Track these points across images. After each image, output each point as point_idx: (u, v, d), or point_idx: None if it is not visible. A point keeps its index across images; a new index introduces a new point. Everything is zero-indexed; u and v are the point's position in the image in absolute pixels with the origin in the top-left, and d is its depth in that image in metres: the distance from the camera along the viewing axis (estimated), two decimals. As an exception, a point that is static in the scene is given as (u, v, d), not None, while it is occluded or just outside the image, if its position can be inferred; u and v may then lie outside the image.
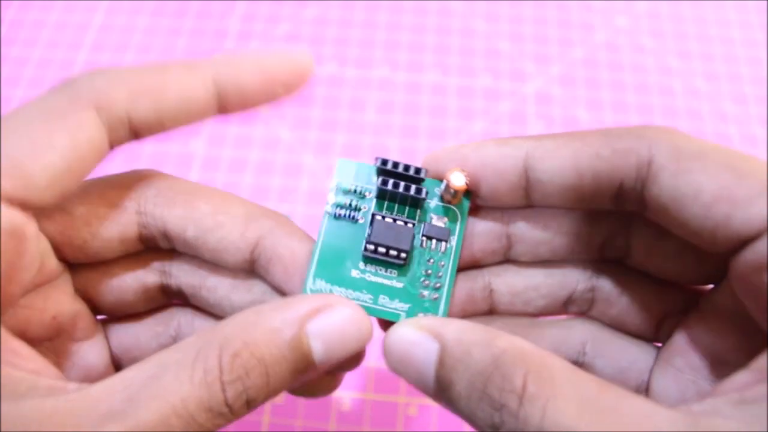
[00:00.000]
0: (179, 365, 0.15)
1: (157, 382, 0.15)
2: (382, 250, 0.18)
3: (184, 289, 0.21)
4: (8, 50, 0.41)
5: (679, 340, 0.18)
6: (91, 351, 0.20)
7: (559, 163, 0.17)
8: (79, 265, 0.20)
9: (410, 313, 0.18)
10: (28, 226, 0.16)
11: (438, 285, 0.19)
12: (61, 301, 0.19)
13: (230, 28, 0.42)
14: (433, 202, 0.19)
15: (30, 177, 0.16)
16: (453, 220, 0.19)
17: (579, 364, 0.20)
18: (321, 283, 0.19)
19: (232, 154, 0.37)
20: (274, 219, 0.19)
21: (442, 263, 0.19)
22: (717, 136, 0.38)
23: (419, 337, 0.16)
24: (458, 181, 0.18)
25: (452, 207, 0.19)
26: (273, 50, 0.19)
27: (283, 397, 0.30)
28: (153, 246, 0.20)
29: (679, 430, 0.13)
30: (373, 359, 0.32)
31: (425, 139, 0.38)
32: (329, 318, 0.16)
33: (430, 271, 0.19)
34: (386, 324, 0.19)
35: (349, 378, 0.31)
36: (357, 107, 0.39)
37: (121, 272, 0.20)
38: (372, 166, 0.19)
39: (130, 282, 0.20)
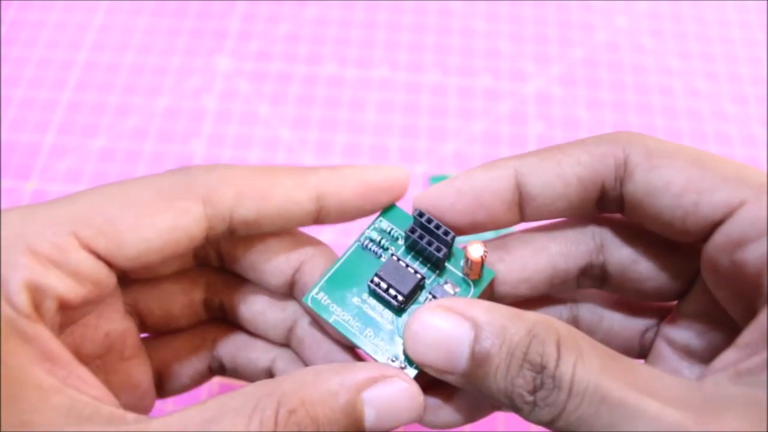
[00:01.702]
0: (237, 412, 0.15)
1: (213, 425, 0.15)
2: (384, 286, 0.19)
3: (225, 303, 0.22)
4: (8, 50, 0.41)
5: (659, 350, 0.20)
6: (137, 369, 0.20)
7: (546, 176, 0.18)
8: (130, 281, 0.21)
9: (383, 356, 0.19)
10: (109, 279, 0.17)
11: None
12: (113, 318, 0.20)
13: (230, 28, 0.42)
14: (456, 271, 0.20)
15: (123, 245, 0.17)
16: (465, 292, 0.19)
17: None
18: (322, 296, 0.19)
19: (232, 154, 0.37)
20: (316, 246, 0.20)
21: None
22: (717, 135, 0.38)
23: (452, 318, 0.17)
24: (475, 252, 0.18)
25: (469, 280, 0.19)
26: (373, 167, 0.20)
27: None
28: (203, 263, 0.21)
29: (688, 392, 0.15)
30: (373, 359, 0.32)
31: (425, 139, 0.38)
32: (386, 389, 0.17)
33: None
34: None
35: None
36: (357, 107, 0.39)
37: (171, 287, 0.21)
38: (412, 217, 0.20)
39: (179, 296, 0.21)
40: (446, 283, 0.19)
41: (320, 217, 0.20)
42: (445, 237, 0.19)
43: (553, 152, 0.18)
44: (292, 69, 0.40)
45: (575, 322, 0.21)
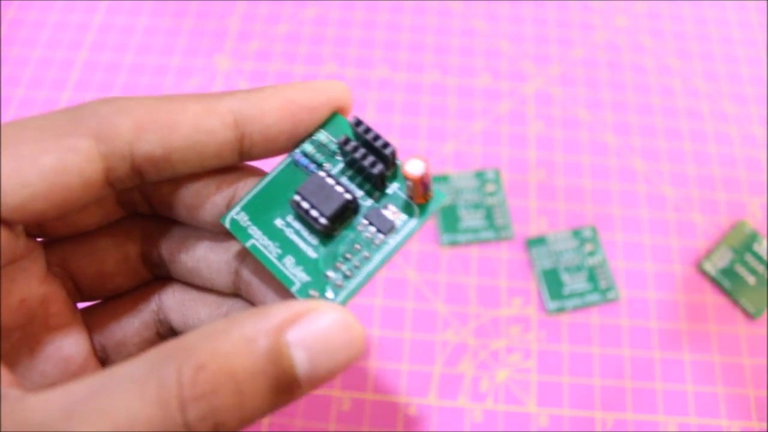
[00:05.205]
0: (130, 378, 0.13)
1: (101, 395, 0.13)
2: (305, 205, 0.16)
3: (164, 254, 0.19)
4: (8, 50, 0.41)
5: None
6: (67, 340, 0.18)
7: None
8: (57, 240, 0.18)
9: (303, 288, 0.16)
10: None
11: (349, 274, 0.16)
12: (29, 283, 0.17)
13: (230, 28, 0.42)
14: (399, 193, 0.17)
15: (2, 192, 0.14)
16: (408, 219, 0.16)
17: None
18: (242, 216, 0.17)
19: (232, 154, 0.37)
20: (251, 171, 0.18)
21: (367, 255, 0.16)
22: (717, 136, 0.38)
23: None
24: (413, 168, 0.15)
25: (413, 204, 0.16)
26: (301, 83, 0.17)
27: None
28: (132, 211, 0.19)
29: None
30: (372, 359, 0.32)
31: (425, 139, 0.38)
32: (313, 324, 0.14)
33: (350, 256, 0.16)
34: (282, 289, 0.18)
35: (349, 378, 0.31)
36: (358, 107, 0.39)
37: (101, 241, 0.19)
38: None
39: (111, 250, 0.19)
40: (386, 207, 0.16)
41: (245, 149, 0.17)
42: (383, 150, 0.16)
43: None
44: (292, 69, 0.40)
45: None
